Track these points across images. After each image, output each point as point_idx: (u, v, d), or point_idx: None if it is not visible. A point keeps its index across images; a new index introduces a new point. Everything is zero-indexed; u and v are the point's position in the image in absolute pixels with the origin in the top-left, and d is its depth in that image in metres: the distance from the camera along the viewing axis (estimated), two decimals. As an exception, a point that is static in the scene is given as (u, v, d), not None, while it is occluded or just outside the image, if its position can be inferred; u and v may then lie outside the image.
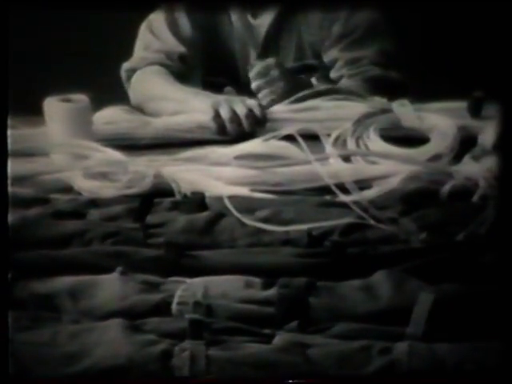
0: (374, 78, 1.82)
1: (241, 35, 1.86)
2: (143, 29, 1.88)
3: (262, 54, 1.85)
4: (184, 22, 1.85)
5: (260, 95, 1.68)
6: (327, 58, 1.85)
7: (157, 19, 1.87)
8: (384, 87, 1.77)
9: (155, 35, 1.86)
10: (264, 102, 1.65)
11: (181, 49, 1.84)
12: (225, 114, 1.55)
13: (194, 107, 1.62)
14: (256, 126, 1.55)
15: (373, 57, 1.83)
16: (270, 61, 1.71)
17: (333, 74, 1.84)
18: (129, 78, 1.87)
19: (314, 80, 1.82)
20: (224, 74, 1.85)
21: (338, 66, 1.83)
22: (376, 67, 1.82)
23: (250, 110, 1.55)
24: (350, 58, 1.83)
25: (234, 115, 1.54)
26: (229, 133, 1.55)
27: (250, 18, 1.86)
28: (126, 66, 1.87)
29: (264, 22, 1.85)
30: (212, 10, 1.87)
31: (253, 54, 1.87)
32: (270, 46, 1.86)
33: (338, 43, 1.83)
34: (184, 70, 1.83)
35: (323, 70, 1.85)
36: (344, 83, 1.80)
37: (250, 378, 0.92)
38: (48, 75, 2.24)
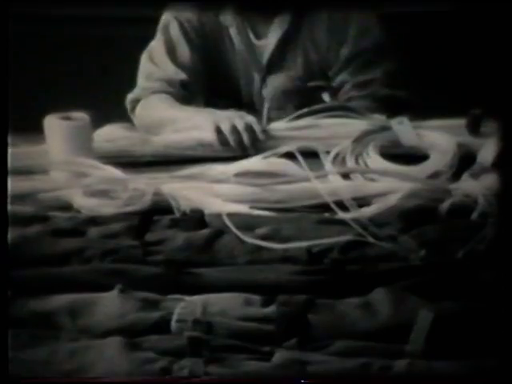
0: (384, 98, 1.83)
1: (243, 57, 1.86)
2: (144, 58, 1.89)
3: (266, 75, 1.86)
4: (183, 48, 1.86)
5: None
6: (336, 80, 1.85)
7: (156, 48, 1.88)
8: (393, 106, 1.79)
9: (155, 64, 1.87)
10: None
11: (182, 76, 1.85)
12: (225, 127, 1.57)
13: (196, 124, 1.64)
14: (255, 140, 1.56)
15: (381, 78, 1.84)
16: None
17: (342, 96, 1.85)
18: (133, 108, 1.88)
19: (325, 96, 1.83)
20: (226, 97, 1.85)
21: (347, 88, 1.84)
22: (385, 88, 1.84)
23: (249, 125, 1.57)
24: (360, 80, 1.84)
25: (234, 128, 1.56)
26: (230, 144, 1.56)
27: (253, 38, 1.87)
28: (129, 97, 1.89)
29: (268, 42, 1.85)
30: (213, 31, 1.87)
31: (256, 76, 1.87)
32: (274, 66, 1.86)
33: (347, 66, 1.84)
34: (187, 96, 1.84)
35: (330, 91, 1.85)
36: (353, 104, 1.81)
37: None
38: (48, 93, 2.25)
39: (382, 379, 0.94)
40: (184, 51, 1.86)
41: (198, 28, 1.87)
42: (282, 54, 1.85)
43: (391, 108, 1.75)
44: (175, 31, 1.87)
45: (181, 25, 1.87)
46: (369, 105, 1.81)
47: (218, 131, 1.57)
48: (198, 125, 1.63)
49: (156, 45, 1.89)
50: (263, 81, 1.87)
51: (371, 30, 1.86)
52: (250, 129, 1.57)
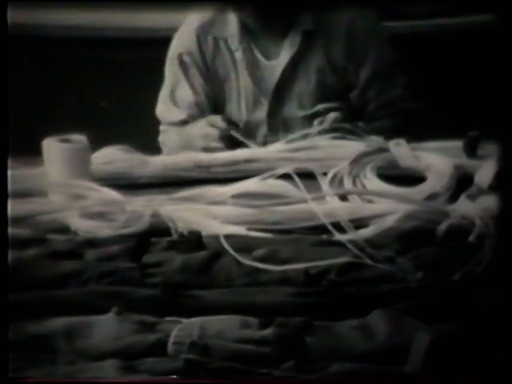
0: (408, 112, 1.86)
1: (250, 81, 1.87)
2: (158, 100, 1.95)
3: (275, 95, 1.86)
4: (184, 87, 1.90)
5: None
6: (358, 101, 1.86)
7: (163, 90, 1.93)
8: (415, 120, 1.83)
9: (165, 107, 1.93)
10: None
11: (182, 115, 1.90)
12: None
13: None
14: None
15: (402, 93, 1.87)
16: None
17: (366, 116, 1.85)
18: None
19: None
20: (231, 122, 1.85)
21: (371, 108, 1.86)
22: (406, 102, 1.87)
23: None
24: (385, 100, 1.86)
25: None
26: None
27: (263, 59, 1.87)
28: (159, 140, 1.96)
29: (280, 62, 1.86)
30: (215, 59, 1.88)
31: (264, 95, 1.87)
32: (284, 87, 1.86)
33: (369, 87, 1.86)
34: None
35: (347, 112, 1.85)
36: (377, 124, 1.82)
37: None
38: (47, 116, 2.26)
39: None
40: (185, 90, 1.89)
41: (199, 60, 1.88)
42: (293, 73, 1.86)
43: (415, 121, 1.81)
44: (176, 69, 1.89)
45: (181, 62, 1.88)
46: (395, 122, 1.84)
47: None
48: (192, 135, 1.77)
49: (164, 86, 1.93)
50: (273, 105, 1.87)
51: (386, 50, 1.88)
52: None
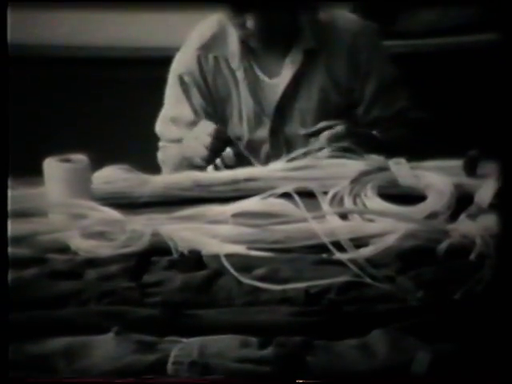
0: (413, 122, 1.86)
1: (251, 100, 1.87)
2: (158, 120, 1.94)
3: (277, 113, 1.87)
4: (184, 107, 1.90)
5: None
6: (364, 117, 1.87)
7: (163, 110, 1.93)
8: (422, 128, 1.85)
9: (164, 126, 1.93)
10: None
11: (182, 135, 1.88)
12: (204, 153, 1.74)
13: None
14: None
15: (407, 105, 1.89)
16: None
17: (378, 130, 1.86)
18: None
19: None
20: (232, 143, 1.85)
21: (380, 122, 1.86)
22: (411, 112, 1.88)
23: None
24: (392, 113, 1.87)
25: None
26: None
27: (265, 78, 1.88)
28: (159, 158, 1.97)
29: (281, 80, 1.86)
30: (217, 78, 1.89)
31: (266, 113, 1.88)
32: (285, 106, 1.86)
33: (375, 103, 1.86)
34: None
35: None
36: (386, 136, 1.83)
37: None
38: (48, 136, 2.26)
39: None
40: (186, 111, 1.89)
41: (200, 80, 1.88)
42: (295, 91, 1.86)
43: (421, 131, 1.83)
44: (177, 89, 1.89)
45: (182, 82, 1.89)
46: (404, 132, 1.84)
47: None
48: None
49: (164, 106, 1.93)
50: (275, 123, 1.87)
51: (389, 65, 1.89)
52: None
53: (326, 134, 1.70)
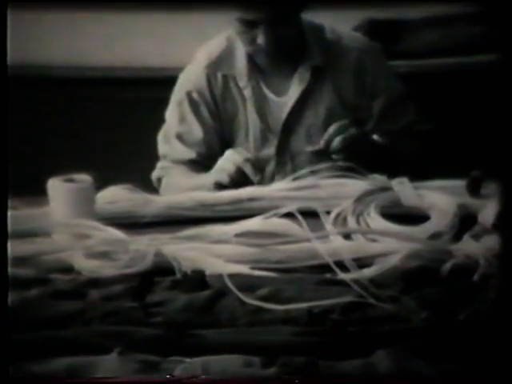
0: (421, 134, 1.88)
1: (258, 118, 1.87)
2: (159, 138, 1.95)
3: (284, 131, 1.87)
4: (194, 126, 1.90)
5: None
6: (374, 133, 1.87)
7: (169, 128, 1.93)
8: (430, 140, 1.86)
9: (169, 144, 1.93)
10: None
11: (191, 155, 1.89)
12: (225, 180, 1.72)
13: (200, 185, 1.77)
14: (256, 170, 1.71)
15: (415, 118, 1.90)
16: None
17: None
18: (159, 186, 1.94)
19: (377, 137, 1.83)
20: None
21: (387, 135, 1.86)
22: (420, 125, 1.90)
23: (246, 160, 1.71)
24: (399, 126, 1.87)
25: (234, 173, 1.71)
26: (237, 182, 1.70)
27: (272, 96, 1.88)
28: (153, 176, 1.95)
29: (289, 98, 1.87)
30: (225, 98, 1.89)
31: (273, 132, 1.88)
32: (292, 123, 1.87)
33: (384, 118, 1.87)
34: (198, 168, 1.88)
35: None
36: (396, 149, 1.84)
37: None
38: (51, 156, 2.27)
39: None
40: (194, 129, 1.89)
41: (208, 98, 1.89)
42: (302, 109, 1.86)
43: (431, 142, 1.84)
44: (186, 107, 1.89)
45: (190, 100, 1.89)
46: (411, 144, 1.85)
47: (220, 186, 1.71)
48: (202, 185, 1.77)
49: (169, 124, 1.93)
50: (282, 141, 1.88)
51: (396, 81, 1.91)
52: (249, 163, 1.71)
53: (339, 139, 1.70)
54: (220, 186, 1.74)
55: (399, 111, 1.89)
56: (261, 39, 1.74)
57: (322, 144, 1.73)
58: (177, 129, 1.91)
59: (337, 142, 1.71)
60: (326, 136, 1.73)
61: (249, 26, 1.75)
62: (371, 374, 1.03)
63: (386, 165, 1.71)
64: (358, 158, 1.68)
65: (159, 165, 1.94)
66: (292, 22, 1.78)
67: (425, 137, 1.89)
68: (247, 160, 1.72)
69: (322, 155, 1.76)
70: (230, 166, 1.73)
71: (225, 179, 1.73)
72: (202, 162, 1.88)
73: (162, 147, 1.94)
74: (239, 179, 1.72)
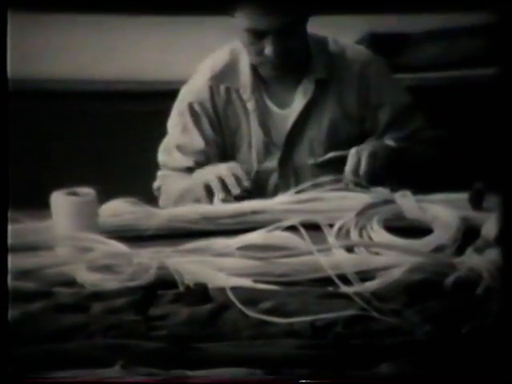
0: (429, 140, 1.87)
1: (261, 130, 1.88)
2: (161, 148, 1.95)
3: (287, 144, 1.87)
4: (194, 136, 1.90)
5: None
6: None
7: (170, 138, 1.93)
8: (439, 145, 1.85)
9: (169, 154, 1.92)
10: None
11: (188, 162, 1.89)
12: (214, 184, 1.70)
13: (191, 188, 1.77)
14: (240, 186, 1.69)
15: (422, 124, 1.89)
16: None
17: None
18: (159, 195, 1.94)
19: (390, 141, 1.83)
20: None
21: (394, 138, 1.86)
22: (428, 131, 1.89)
23: (233, 174, 1.69)
24: (406, 133, 1.87)
25: (221, 181, 1.69)
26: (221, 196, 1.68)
27: (276, 108, 1.89)
28: (154, 186, 1.95)
29: (293, 110, 1.87)
30: (227, 110, 1.89)
31: (276, 144, 1.88)
32: (295, 136, 1.87)
33: (390, 130, 1.87)
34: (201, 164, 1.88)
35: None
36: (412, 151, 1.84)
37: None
38: (55, 169, 2.27)
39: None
40: (195, 139, 1.89)
41: (210, 110, 1.89)
42: (305, 122, 1.87)
43: (440, 147, 1.84)
44: (187, 118, 1.90)
45: (192, 111, 1.90)
46: (420, 149, 1.84)
47: (208, 189, 1.70)
48: (191, 188, 1.77)
49: (170, 135, 1.93)
50: (285, 154, 1.88)
51: (402, 92, 1.91)
52: (235, 176, 1.69)
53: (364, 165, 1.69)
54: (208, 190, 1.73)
55: (406, 121, 1.89)
56: (269, 50, 1.75)
57: (348, 179, 1.71)
58: (178, 139, 1.91)
59: (363, 168, 1.70)
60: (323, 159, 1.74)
61: (257, 36, 1.75)
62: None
63: (407, 168, 1.73)
64: (384, 171, 1.69)
65: (159, 174, 1.95)
66: (299, 33, 1.79)
67: (437, 142, 1.88)
68: (230, 169, 1.72)
69: (325, 167, 1.76)
70: (217, 171, 1.73)
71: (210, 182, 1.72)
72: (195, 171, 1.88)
73: (161, 156, 1.94)
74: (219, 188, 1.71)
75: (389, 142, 1.82)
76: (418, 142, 1.87)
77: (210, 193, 1.71)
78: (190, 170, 1.89)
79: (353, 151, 1.72)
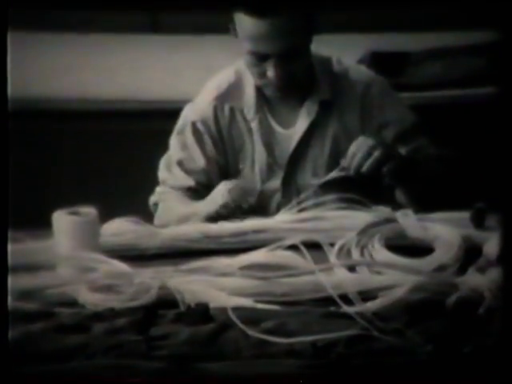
0: (432, 158, 1.87)
1: (264, 150, 1.88)
2: (161, 164, 1.94)
3: (290, 164, 1.87)
4: (196, 154, 1.90)
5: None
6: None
7: (171, 155, 1.93)
8: (445, 164, 1.85)
9: (169, 171, 1.92)
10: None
11: (190, 182, 1.89)
12: (213, 212, 1.71)
13: (201, 211, 1.76)
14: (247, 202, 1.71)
15: (426, 142, 1.89)
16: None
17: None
18: (155, 211, 1.93)
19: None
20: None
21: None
22: (433, 148, 1.89)
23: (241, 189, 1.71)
24: (409, 150, 1.86)
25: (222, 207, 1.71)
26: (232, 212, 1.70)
27: (279, 128, 1.89)
28: (151, 201, 1.95)
29: (296, 130, 1.87)
30: (231, 129, 1.90)
31: (279, 164, 1.88)
32: (299, 156, 1.87)
33: (396, 144, 1.86)
34: (196, 196, 1.87)
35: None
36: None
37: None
38: (57, 189, 2.28)
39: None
40: (196, 157, 1.89)
41: (213, 129, 1.89)
42: (309, 142, 1.87)
43: (443, 166, 1.83)
44: (189, 136, 1.90)
45: (194, 130, 1.90)
46: (423, 167, 1.84)
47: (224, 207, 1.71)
48: (202, 211, 1.76)
49: (171, 151, 1.93)
50: (288, 174, 1.88)
51: (406, 111, 1.91)
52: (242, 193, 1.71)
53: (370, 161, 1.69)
54: (211, 218, 1.73)
55: (410, 139, 1.88)
56: (271, 73, 1.75)
57: (347, 164, 1.72)
58: (178, 155, 1.91)
59: (368, 163, 1.70)
60: (351, 156, 1.73)
61: (260, 59, 1.76)
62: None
63: (415, 178, 1.73)
64: (390, 176, 1.70)
65: (158, 189, 1.94)
66: (302, 55, 1.79)
67: (440, 160, 1.88)
68: (231, 191, 1.72)
69: (328, 188, 1.76)
70: (219, 198, 1.73)
71: (213, 211, 1.73)
72: (200, 191, 1.88)
73: (162, 173, 1.94)
74: (227, 212, 1.71)
75: (401, 150, 1.82)
76: (422, 159, 1.87)
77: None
78: (190, 191, 1.89)
79: (369, 143, 1.71)
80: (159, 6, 2.94)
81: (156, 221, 1.89)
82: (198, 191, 1.88)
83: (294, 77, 1.78)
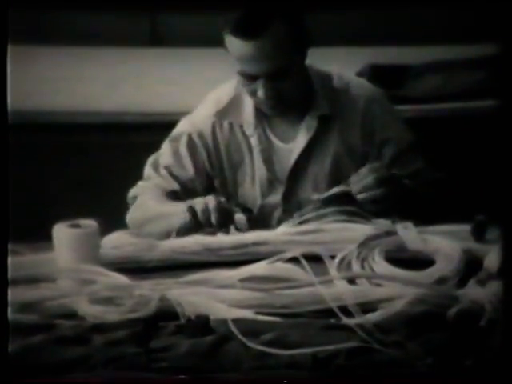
0: (429, 182, 1.86)
1: (263, 166, 1.88)
2: (149, 161, 1.94)
3: (290, 179, 1.87)
4: (186, 163, 1.90)
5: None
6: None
7: (161, 156, 1.93)
8: (439, 188, 1.85)
9: (156, 170, 1.92)
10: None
11: (174, 186, 1.88)
12: (199, 207, 1.66)
13: (171, 212, 1.75)
14: (223, 218, 1.66)
15: (423, 165, 1.89)
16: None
17: None
18: (132, 204, 1.92)
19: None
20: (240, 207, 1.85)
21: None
22: (429, 173, 1.88)
23: (219, 203, 1.66)
24: (407, 173, 1.86)
25: (206, 208, 1.66)
26: (201, 223, 1.66)
27: (279, 143, 1.89)
28: (130, 194, 1.93)
29: (296, 145, 1.87)
30: (228, 144, 1.90)
31: (279, 179, 1.88)
32: (299, 171, 1.87)
33: (394, 164, 1.86)
34: (176, 199, 1.86)
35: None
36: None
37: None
38: (58, 202, 2.28)
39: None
40: (186, 166, 1.89)
41: (210, 144, 1.89)
42: (309, 157, 1.87)
43: (440, 190, 1.83)
44: (183, 146, 1.90)
45: (190, 141, 1.90)
46: (420, 191, 1.83)
47: (192, 212, 1.66)
48: (173, 212, 1.74)
49: (161, 154, 1.93)
50: (288, 189, 1.88)
51: (406, 129, 1.91)
52: (220, 208, 1.65)
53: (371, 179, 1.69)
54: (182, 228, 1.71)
55: (409, 159, 1.88)
56: (260, 93, 1.76)
57: (350, 188, 1.71)
58: (167, 161, 1.90)
59: (369, 181, 1.69)
60: (326, 195, 1.74)
61: (249, 79, 1.76)
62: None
63: (412, 207, 1.72)
64: (389, 200, 1.68)
65: (139, 183, 1.93)
66: (294, 73, 1.77)
67: (435, 184, 1.88)
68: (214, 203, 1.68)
69: (329, 203, 1.76)
70: (199, 204, 1.70)
71: (183, 220, 1.71)
72: (181, 196, 1.86)
73: (148, 170, 1.93)
74: (202, 220, 1.68)
75: (406, 181, 1.81)
76: (420, 184, 1.87)
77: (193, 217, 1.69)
78: (173, 194, 1.87)
79: (376, 166, 1.71)
80: (160, 20, 2.95)
81: (128, 216, 1.88)
82: (180, 196, 1.87)
83: (285, 96, 1.77)
